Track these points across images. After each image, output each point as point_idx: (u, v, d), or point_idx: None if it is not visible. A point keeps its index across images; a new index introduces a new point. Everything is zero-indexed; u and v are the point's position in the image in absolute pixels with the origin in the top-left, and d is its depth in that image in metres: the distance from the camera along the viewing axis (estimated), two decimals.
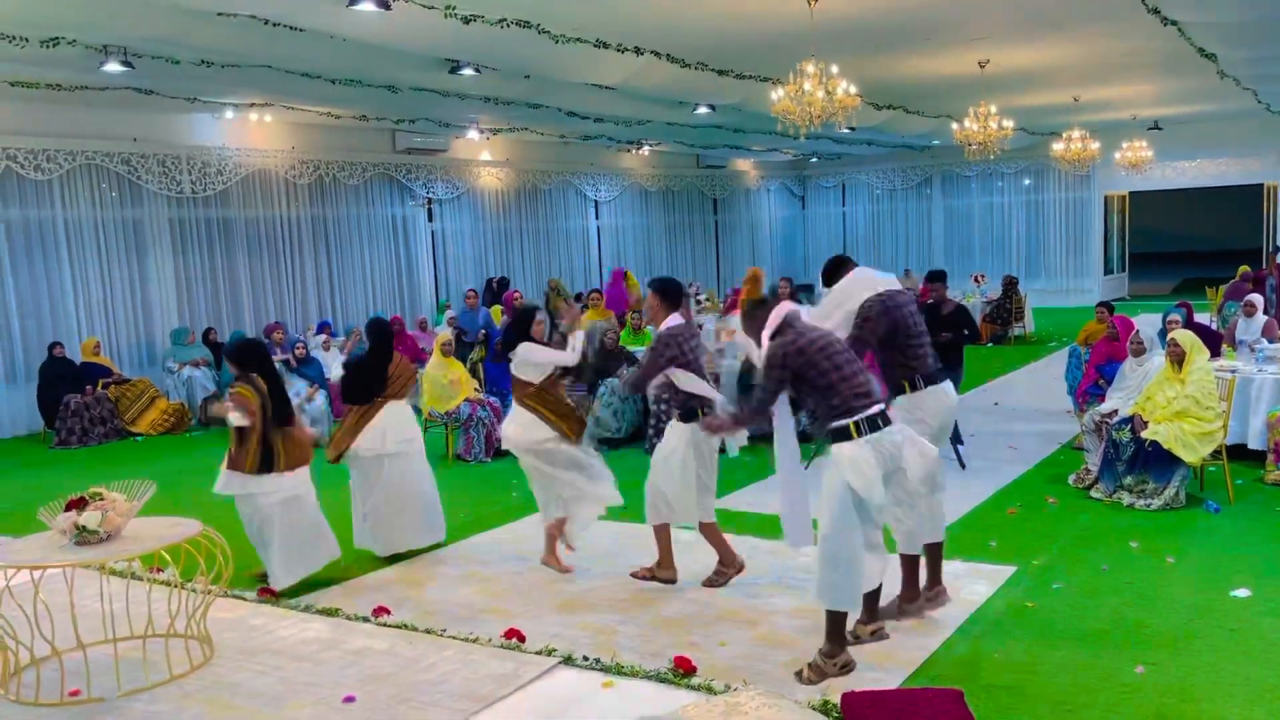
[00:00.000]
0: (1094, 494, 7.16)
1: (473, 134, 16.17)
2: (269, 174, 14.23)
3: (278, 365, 10.78)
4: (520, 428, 5.78)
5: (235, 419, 5.57)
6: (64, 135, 11.95)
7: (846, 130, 17.25)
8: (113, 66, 9.09)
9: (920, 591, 5.01)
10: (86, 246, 12.31)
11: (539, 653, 3.73)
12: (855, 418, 4.16)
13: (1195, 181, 21.80)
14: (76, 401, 10.94)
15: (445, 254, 17.13)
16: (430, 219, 16.84)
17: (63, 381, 11.13)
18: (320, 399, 10.50)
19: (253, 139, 13.96)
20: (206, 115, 13.27)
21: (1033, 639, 4.76)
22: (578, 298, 16.49)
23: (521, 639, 3.90)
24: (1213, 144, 20.50)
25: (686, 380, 5.29)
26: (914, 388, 4.95)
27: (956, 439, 8.46)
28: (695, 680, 3.53)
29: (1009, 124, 12.56)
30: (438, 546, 6.53)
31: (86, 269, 12.31)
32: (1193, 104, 17.19)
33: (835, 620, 4.24)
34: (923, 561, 5.04)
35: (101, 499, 4.03)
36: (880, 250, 24.50)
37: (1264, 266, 15.94)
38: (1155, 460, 6.83)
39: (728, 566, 5.56)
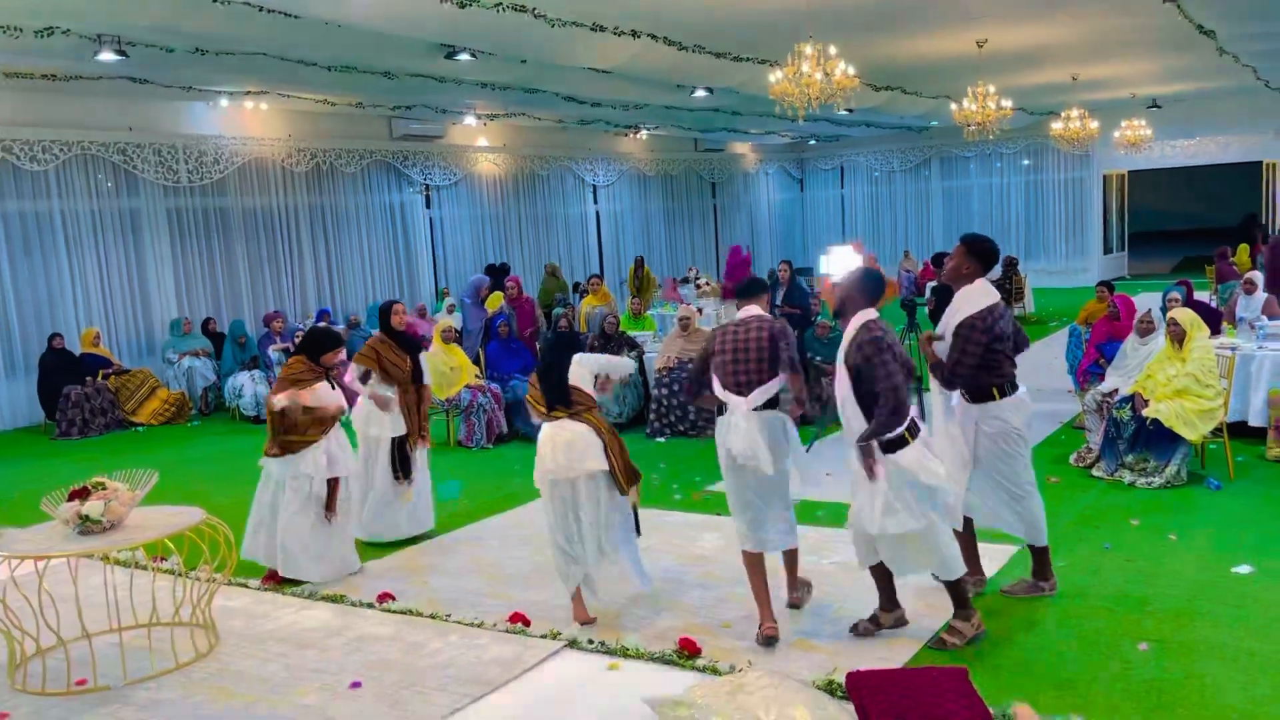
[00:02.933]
0: (1095, 473, 7.16)
1: (469, 120, 16.12)
2: (266, 162, 14.19)
3: (276, 354, 10.89)
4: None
5: None
6: (60, 125, 11.91)
7: (845, 112, 17.25)
8: (107, 56, 9.05)
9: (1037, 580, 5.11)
10: (84, 237, 12.27)
11: (544, 636, 3.73)
12: (905, 424, 4.32)
13: (1194, 159, 21.75)
14: (77, 393, 10.93)
15: (444, 241, 17.10)
16: (428, 206, 16.80)
17: (63, 373, 11.12)
18: None
19: (249, 127, 13.92)
20: (202, 104, 13.22)
21: (1036, 617, 4.77)
22: (575, 287, 16.49)
23: (526, 623, 3.89)
24: (1211, 121, 20.43)
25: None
26: (1003, 394, 4.81)
27: None
28: (700, 661, 3.53)
29: (1008, 104, 12.51)
30: (426, 536, 6.53)
31: (84, 260, 12.28)
32: (1191, 81, 17.13)
33: (956, 589, 4.49)
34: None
35: (104, 489, 4.03)
36: (879, 232, 24.48)
37: (1258, 242, 15.87)
38: (1156, 438, 6.84)
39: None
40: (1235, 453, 7.18)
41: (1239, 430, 7.70)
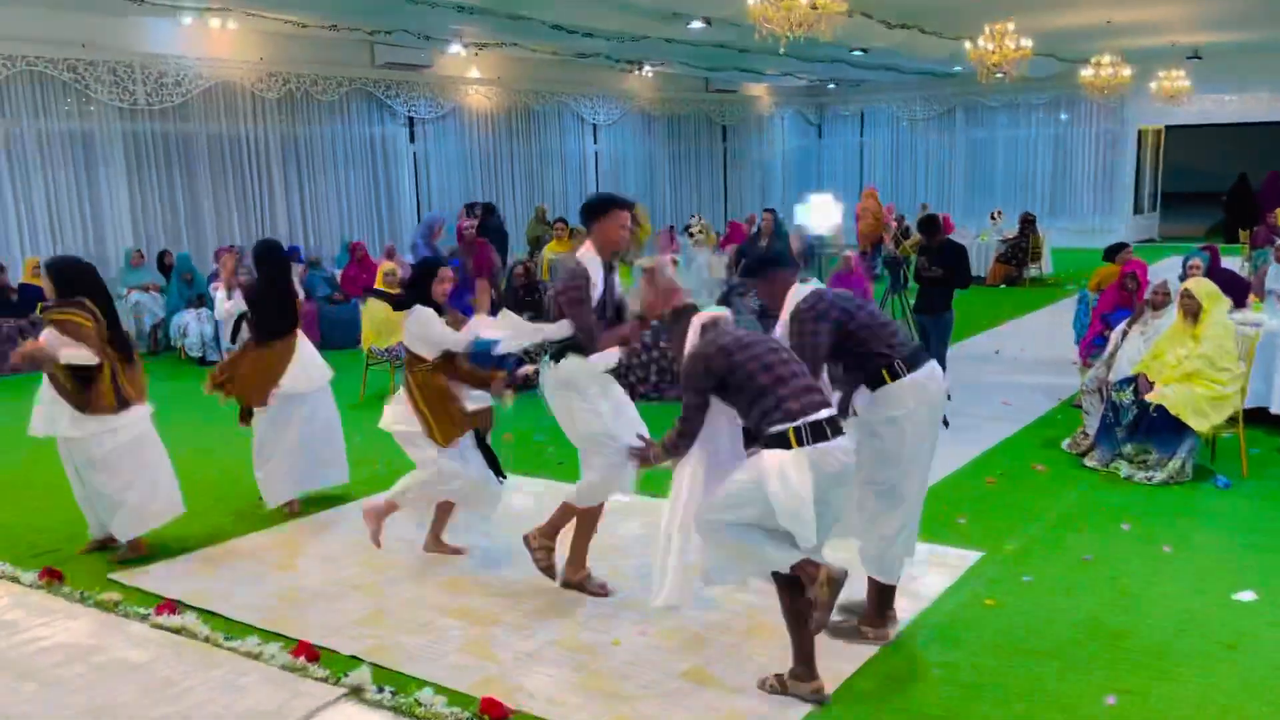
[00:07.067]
0: (1088, 462, 6.29)
1: (456, 48, 15.13)
2: (234, 86, 13.31)
3: (219, 293, 10.11)
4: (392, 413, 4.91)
5: (79, 356, 4.80)
6: (4, 38, 11.08)
7: (859, 52, 16.13)
8: None
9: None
10: (29, 160, 11.49)
11: (326, 679, 2.96)
12: (796, 423, 3.34)
13: (1236, 116, 20.37)
14: (9, 326, 10.26)
15: (429, 177, 16.19)
16: (412, 140, 15.88)
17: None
18: None
19: (215, 48, 13.02)
20: (162, 20, 12.32)
21: (985, 650, 3.95)
22: (573, 233, 15.52)
23: (312, 658, 3.12)
24: (1256, 76, 19.07)
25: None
26: (894, 376, 3.83)
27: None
28: None
29: (1028, 43, 11.38)
30: (341, 498, 5.86)
31: (30, 184, 11.52)
32: (1236, 31, 15.85)
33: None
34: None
35: None
36: (899, 183, 23.35)
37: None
38: (1160, 427, 5.95)
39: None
40: (1250, 444, 6.28)
41: (1257, 418, 6.79)
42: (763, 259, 4.15)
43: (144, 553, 5.00)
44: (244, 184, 13.60)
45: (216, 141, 13.27)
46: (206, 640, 3.30)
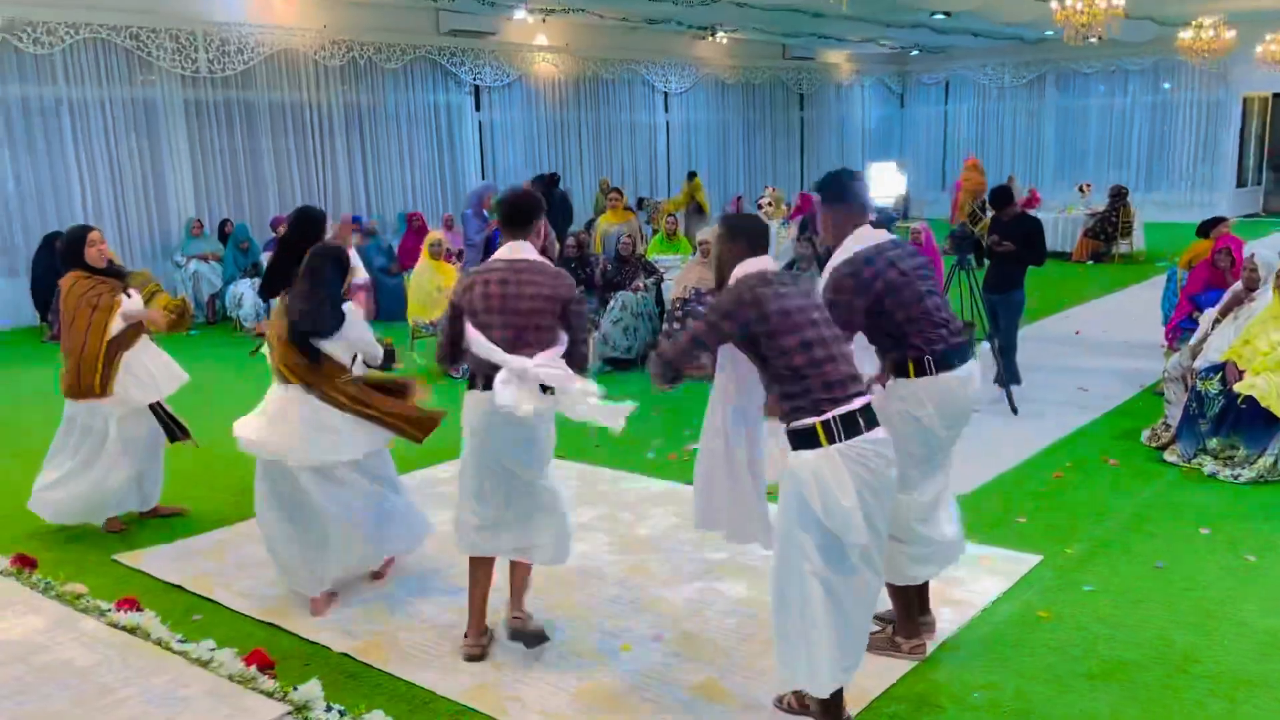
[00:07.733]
0: (1168, 457, 5.76)
1: (520, 14, 14.81)
2: (296, 54, 13.21)
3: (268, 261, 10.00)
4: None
5: None
6: (66, 6, 11.10)
7: (941, 15, 15.37)
8: None
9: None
10: (93, 128, 11.54)
11: (273, 694, 2.69)
12: (824, 416, 2.96)
13: None
14: None
15: (494, 146, 15.95)
16: (477, 108, 15.64)
17: (58, 275, 10.46)
18: None
19: (277, 15, 12.92)
20: None
21: (1035, 670, 3.53)
22: (640, 203, 15.16)
23: (265, 666, 2.86)
24: None
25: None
26: (920, 372, 3.44)
27: (1012, 378, 7.11)
28: None
29: (1119, 1, 10.60)
30: None
31: (93, 153, 11.57)
32: None
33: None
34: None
35: None
36: (985, 155, 22.32)
37: None
38: (1249, 420, 5.40)
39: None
40: None
41: None
42: (834, 178, 3.55)
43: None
44: (306, 152, 13.53)
45: (279, 110, 13.20)
46: (158, 642, 3.08)
